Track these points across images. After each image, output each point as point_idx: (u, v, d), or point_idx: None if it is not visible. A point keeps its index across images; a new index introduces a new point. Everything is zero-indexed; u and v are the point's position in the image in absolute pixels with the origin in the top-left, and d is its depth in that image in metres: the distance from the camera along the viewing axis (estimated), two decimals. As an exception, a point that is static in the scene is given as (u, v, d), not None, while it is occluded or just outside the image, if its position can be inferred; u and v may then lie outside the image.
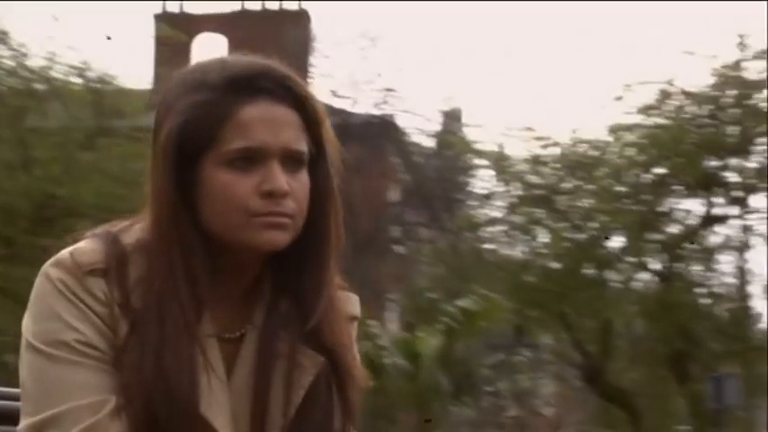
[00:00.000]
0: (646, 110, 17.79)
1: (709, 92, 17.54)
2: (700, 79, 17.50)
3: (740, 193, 17.79)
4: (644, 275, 18.48)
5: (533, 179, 18.37)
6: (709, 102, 17.47)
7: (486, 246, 19.94)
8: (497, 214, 19.34)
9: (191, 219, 1.62)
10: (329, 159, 1.67)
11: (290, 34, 21.11)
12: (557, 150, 18.44)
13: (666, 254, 18.04)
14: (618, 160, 18.00)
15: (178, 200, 1.61)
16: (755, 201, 17.90)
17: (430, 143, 24.44)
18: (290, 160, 1.61)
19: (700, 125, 17.73)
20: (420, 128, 24.25)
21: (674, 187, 17.97)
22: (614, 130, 18.33)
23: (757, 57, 17.58)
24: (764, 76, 17.45)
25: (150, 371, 1.56)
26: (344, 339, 1.69)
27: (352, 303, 1.77)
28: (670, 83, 17.51)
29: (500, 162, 18.69)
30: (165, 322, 1.58)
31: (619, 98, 17.72)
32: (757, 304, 18.36)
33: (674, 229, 18.14)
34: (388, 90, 17.88)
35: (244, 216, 1.60)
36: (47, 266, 1.63)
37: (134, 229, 1.67)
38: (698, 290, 18.33)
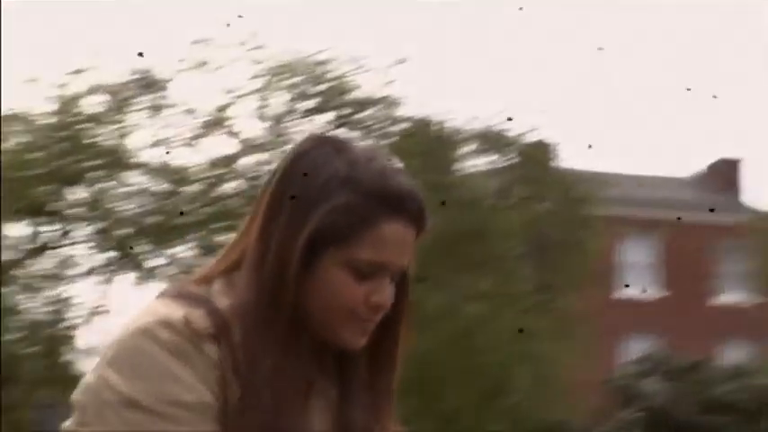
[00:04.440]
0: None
1: (47, 121, 17.68)
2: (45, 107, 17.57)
3: (70, 223, 18.09)
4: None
5: None
6: (51, 130, 17.61)
7: None
8: None
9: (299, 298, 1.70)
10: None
11: None
12: None
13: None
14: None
15: (300, 284, 1.68)
16: (83, 230, 18.29)
17: None
18: (397, 274, 1.74)
19: (34, 151, 17.78)
20: None
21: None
22: None
23: (94, 91, 18.07)
24: (101, 109, 18.00)
25: None
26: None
27: None
28: (10, 109, 17.39)
29: None
30: (281, 394, 1.66)
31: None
32: (81, 332, 18.69)
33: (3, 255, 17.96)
34: None
35: (345, 318, 1.70)
36: (151, 326, 1.63)
37: (217, 291, 1.69)
38: (19, 316, 18.29)
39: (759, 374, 23.90)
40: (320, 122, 18.38)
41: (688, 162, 65.84)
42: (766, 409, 22.72)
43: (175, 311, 1.64)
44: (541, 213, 19.80)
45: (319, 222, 1.66)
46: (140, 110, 17.91)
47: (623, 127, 61.12)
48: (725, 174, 39.89)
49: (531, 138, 20.40)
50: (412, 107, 18.74)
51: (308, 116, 18.17)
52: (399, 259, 1.70)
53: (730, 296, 36.38)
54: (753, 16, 62.35)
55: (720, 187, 39.32)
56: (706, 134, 61.36)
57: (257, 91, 17.86)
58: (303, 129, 18.33)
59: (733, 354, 33.85)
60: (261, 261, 1.68)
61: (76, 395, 1.69)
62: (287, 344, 1.67)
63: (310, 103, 17.98)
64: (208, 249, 18.47)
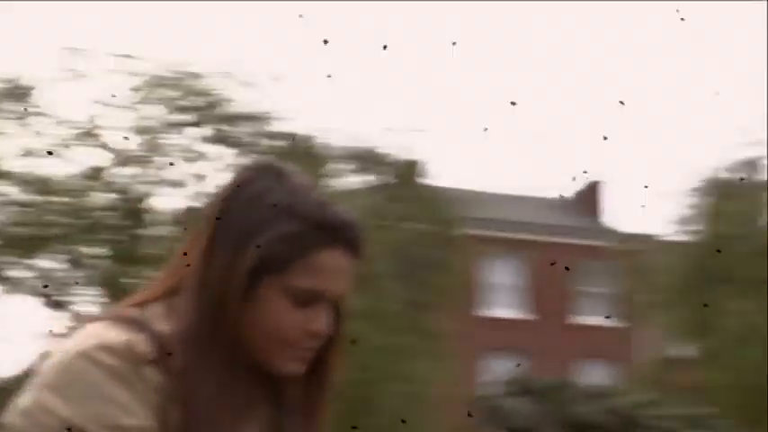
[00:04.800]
0: None
1: None
2: None
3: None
4: None
5: None
6: None
7: None
8: None
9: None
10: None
11: None
12: None
13: None
14: None
15: (240, 311, 1.69)
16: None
17: None
18: (334, 301, 1.76)
19: None
20: None
21: None
22: None
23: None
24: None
25: None
26: None
27: None
28: None
29: None
30: (219, 419, 1.67)
31: None
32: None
33: None
34: None
35: (282, 345, 1.72)
36: (91, 349, 1.62)
37: (156, 315, 1.70)
38: None
39: (620, 395, 24.42)
40: (194, 136, 18.25)
41: (555, 183, 67.06)
42: (628, 428, 23.23)
43: (116, 335, 1.63)
44: (412, 232, 19.95)
45: (261, 251, 1.67)
46: (7, 118, 17.52)
47: (495, 146, 61.99)
48: (590, 196, 40.71)
49: (403, 156, 20.60)
50: (286, 123, 18.74)
51: (182, 130, 18.01)
52: (338, 287, 1.72)
53: (591, 317, 37.13)
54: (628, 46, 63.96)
55: (586, 209, 40.13)
56: (573, 155, 62.59)
57: (132, 103, 17.64)
58: (177, 142, 18.18)
59: (593, 374, 34.55)
60: (202, 287, 1.69)
61: (11, 418, 1.63)
62: (226, 370, 1.68)
63: (185, 117, 17.83)
64: (75, 262, 18.16)
